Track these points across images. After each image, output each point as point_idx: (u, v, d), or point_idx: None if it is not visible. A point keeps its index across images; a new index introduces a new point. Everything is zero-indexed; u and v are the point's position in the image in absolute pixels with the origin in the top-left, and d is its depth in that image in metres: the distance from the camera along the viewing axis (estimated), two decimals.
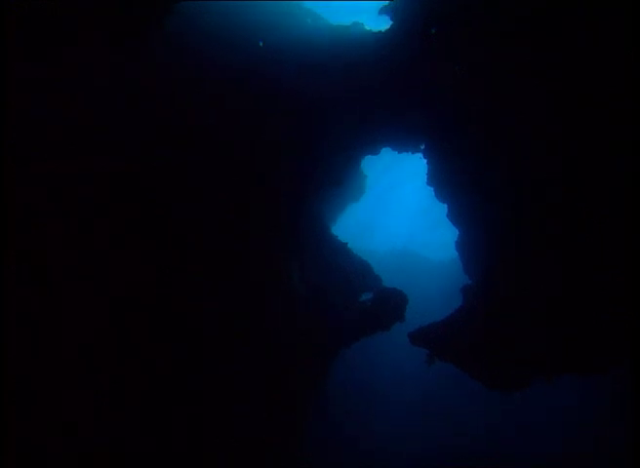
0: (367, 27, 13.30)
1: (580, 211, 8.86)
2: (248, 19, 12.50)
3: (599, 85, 7.61)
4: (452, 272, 19.65)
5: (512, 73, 9.10)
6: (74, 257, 8.63)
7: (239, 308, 10.90)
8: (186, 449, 10.19)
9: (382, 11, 11.42)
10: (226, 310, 10.73)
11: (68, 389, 8.47)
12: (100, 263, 8.96)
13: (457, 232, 12.86)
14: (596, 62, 7.44)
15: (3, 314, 7.21)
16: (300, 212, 12.60)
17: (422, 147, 12.96)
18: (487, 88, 9.70)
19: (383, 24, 11.96)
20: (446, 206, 12.68)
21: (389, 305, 13.45)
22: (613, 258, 8.62)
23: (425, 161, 12.71)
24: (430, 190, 12.74)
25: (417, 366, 13.12)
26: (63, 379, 8.45)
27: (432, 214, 24.57)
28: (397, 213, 41.88)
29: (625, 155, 7.66)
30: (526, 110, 9.18)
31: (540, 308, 9.97)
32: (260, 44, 12.16)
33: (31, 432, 7.88)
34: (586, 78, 7.82)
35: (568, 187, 8.90)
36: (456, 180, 11.63)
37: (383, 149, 14.03)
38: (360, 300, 14.15)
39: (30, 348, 8.04)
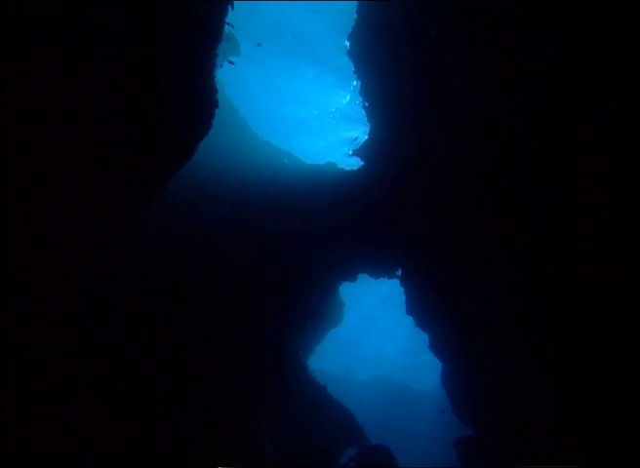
0: (340, 166, 14.49)
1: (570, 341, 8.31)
2: (224, 157, 13.18)
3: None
4: (438, 402, 18.28)
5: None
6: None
7: None
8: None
9: (354, 153, 12.50)
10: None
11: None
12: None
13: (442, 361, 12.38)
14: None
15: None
16: (279, 356, 12.33)
17: (399, 273, 13.03)
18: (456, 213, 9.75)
19: (355, 163, 13.10)
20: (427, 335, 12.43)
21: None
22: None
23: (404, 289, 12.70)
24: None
25: None
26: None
27: (416, 341, 23.10)
28: (379, 338, 38.37)
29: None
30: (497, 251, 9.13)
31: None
32: (258, 44, 12.33)
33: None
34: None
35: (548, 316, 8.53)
36: (434, 310, 11.43)
37: (360, 275, 14.28)
38: (342, 463, 13.01)
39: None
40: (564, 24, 6.98)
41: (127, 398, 9.33)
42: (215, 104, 9.00)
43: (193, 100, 8.41)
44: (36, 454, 7.88)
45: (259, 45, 12.89)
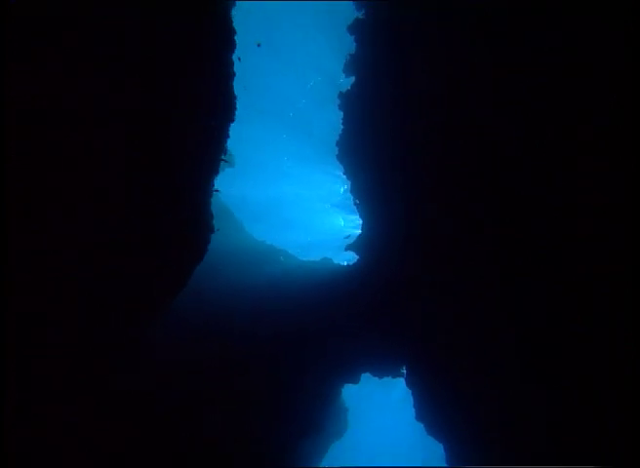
0: (335, 261, 14.97)
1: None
2: (221, 260, 13.15)
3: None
4: None
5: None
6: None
7: None
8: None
9: (348, 248, 12.72)
10: None
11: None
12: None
13: None
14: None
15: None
16: None
17: (404, 371, 12.52)
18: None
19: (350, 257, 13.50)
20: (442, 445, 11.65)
21: None
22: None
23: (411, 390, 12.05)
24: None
25: None
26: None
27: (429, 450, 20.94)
28: (388, 446, 35.53)
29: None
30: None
31: None
32: (258, 45, 12.38)
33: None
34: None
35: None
36: (447, 417, 10.64)
37: (363, 375, 13.64)
38: None
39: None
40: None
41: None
42: (210, 230, 9.45)
43: (189, 228, 8.79)
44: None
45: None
